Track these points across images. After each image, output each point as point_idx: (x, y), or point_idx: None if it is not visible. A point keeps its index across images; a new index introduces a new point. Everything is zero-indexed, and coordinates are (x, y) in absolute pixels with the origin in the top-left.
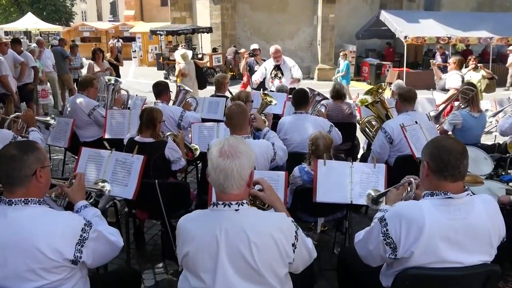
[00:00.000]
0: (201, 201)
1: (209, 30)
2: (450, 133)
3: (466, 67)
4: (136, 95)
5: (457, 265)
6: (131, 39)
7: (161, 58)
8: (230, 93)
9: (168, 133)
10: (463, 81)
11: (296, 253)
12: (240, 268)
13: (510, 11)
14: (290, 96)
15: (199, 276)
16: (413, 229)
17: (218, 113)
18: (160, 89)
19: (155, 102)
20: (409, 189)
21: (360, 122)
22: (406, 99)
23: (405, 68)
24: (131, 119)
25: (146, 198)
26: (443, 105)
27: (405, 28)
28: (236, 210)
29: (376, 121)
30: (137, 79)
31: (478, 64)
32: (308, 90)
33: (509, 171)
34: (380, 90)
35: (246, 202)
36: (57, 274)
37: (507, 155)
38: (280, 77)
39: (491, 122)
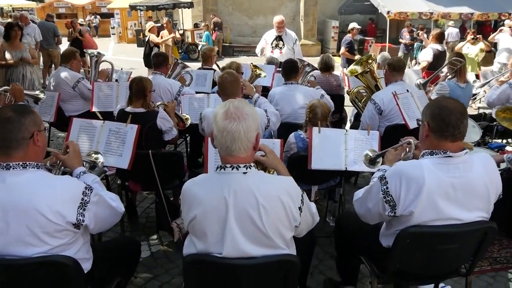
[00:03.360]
0: (192, 175)
1: (190, 5)
2: None
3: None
4: (121, 69)
5: (456, 221)
6: (109, 15)
7: (141, 34)
8: (218, 66)
9: (159, 103)
10: (435, 54)
11: (301, 217)
12: (248, 231)
13: None
14: (279, 68)
15: (207, 239)
16: (413, 187)
17: (206, 85)
18: (161, 60)
19: (153, 73)
20: (407, 150)
21: (350, 92)
22: (395, 69)
23: (387, 44)
24: (119, 92)
25: (140, 169)
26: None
27: (388, 3)
28: (244, 173)
29: (366, 91)
30: (116, 56)
31: (477, 36)
32: (298, 60)
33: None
34: (370, 61)
35: (254, 165)
36: (60, 239)
37: (494, 123)
38: (281, 48)
39: (478, 93)
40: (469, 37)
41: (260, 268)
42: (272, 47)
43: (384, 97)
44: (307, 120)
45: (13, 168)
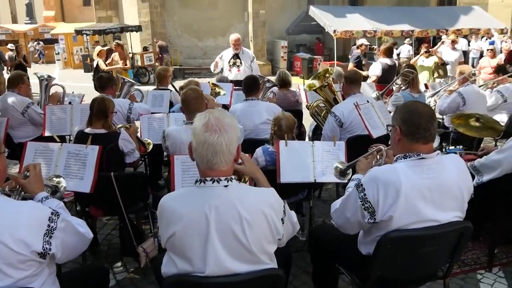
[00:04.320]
0: (155, 197)
1: (138, 28)
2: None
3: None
4: (73, 92)
5: (434, 223)
6: (53, 41)
7: (88, 59)
8: (173, 86)
9: (120, 125)
10: (383, 68)
11: (284, 228)
12: (230, 247)
13: (427, 5)
14: (236, 87)
15: (188, 257)
16: (391, 192)
17: (163, 106)
18: (104, 82)
19: None
20: (378, 157)
21: (310, 107)
22: (352, 82)
23: (335, 61)
24: (73, 114)
25: (101, 193)
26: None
27: (334, 23)
28: (226, 186)
29: (325, 105)
30: (63, 82)
31: (430, 49)
32: (258, 77)
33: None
34: (327, 75)
35: (235, 178)
36: (24, 271)
37: (449, 130)
38: (238, 66)
39: (429, 102)
40: (423, 50)
41: (245, 285)
42: (230, 65)
43: (344, 109)
44: (272, 134)
45: None
